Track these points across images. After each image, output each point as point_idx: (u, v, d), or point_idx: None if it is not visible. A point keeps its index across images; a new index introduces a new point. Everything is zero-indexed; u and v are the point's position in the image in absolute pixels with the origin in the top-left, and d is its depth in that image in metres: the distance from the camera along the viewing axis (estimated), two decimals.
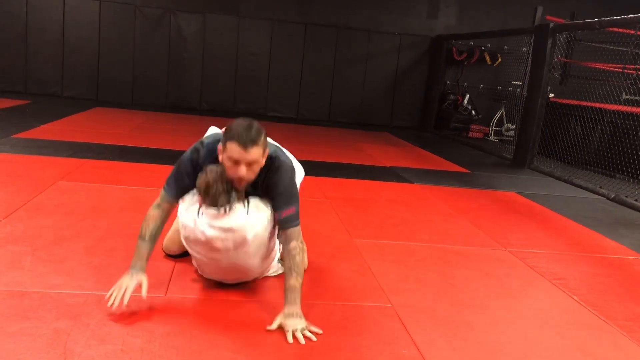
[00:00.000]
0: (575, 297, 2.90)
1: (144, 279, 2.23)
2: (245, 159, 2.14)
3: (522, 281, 3.09)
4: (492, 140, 9.79)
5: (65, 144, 5.52)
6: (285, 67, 10.19)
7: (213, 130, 2.76)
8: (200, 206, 2.28)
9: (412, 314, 2.49)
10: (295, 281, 2.22)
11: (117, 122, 7.47)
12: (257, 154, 2.17)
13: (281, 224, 2.32)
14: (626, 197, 5.15)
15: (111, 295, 2.17)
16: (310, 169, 5.52)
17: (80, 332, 2.03)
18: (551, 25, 6.88)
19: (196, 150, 2.33)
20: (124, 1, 9.54)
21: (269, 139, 2.65)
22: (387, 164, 6.43)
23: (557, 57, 7.36)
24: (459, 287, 2.89)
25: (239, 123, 2.18)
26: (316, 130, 9.12)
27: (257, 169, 2.22)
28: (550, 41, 6.80)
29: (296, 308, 2.20)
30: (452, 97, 10.37)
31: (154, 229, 2.31)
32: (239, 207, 2.25)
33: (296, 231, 2.31)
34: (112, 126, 7.07)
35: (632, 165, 6.19)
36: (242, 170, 2.16)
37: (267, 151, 2.26)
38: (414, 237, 3.68)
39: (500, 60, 10.21)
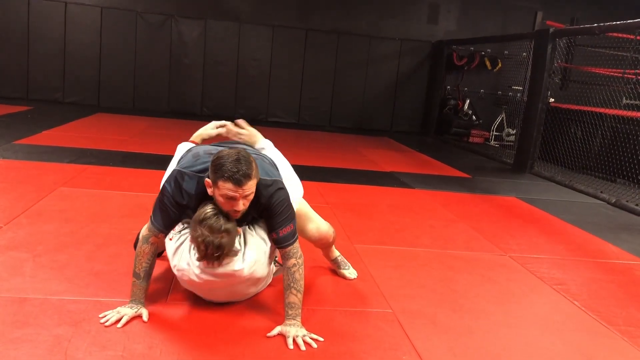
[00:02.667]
0: (576, 302, 2.90)
1: (144, 311, 2.23)
2: (242, 194, 2.08)
3: (523, 286, 3.09)
4: (492, 145, 9.79)
5: (67, 150, 5.54)
6: (286, 73, 10.21)
7: (183, 148, 2.62)
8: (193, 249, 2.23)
9: (413, 319, 2.49)
10: (295, 297, 2.22)
11: (119, 128, 7.48)
12: (252, 187, 2.10)
13: (278, 243, 2.27)
14: (627, 201, 5.14)
15: (105, 315, 2.18)
16: (311, 174, 5.54)
17: (81, 339, 2.03)
18: (551, 30, 6.89)
19: (177, 183, 2.20)
20: (125, 7, 9.58)
21: (258, 145, 2.65)
22: (388, 169, 6.43)
23: (557, 62, 7.37)
24: (460, 292, 2.89)
25: (228, 159, 2.06)
26: (317, 135, 9.13)
27: (251, 197, 2.15)
28: (550, 46, 6.82)
29: (296, 322, 2.21)
30: (452, 102, 10.38)
31: (147, 267, 2.26)
32: (234, 253, 2.20)
33: (294, 248, 2.27)
34: (113, 132, 7.09)
35: (633, 170, 6.19)
36: (240, 206, 2.10)
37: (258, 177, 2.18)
38: (415, 242, 3.68)
39: (500, 65, 10.23)
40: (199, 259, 2.15)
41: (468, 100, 10.39)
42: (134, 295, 2.26)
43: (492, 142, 9.98)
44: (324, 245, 2.83)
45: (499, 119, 10.04)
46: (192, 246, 2.19)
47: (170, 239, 2.31)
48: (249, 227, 2.35)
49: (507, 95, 9.92)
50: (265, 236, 2.34)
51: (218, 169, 2.06)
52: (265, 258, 2.32)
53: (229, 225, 2.12)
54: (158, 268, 2.66)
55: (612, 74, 7.80)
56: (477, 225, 4.27)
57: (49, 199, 3.77)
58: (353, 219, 4.09)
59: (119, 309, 2.21)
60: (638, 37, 7.48)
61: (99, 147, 5.90)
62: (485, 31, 10.24)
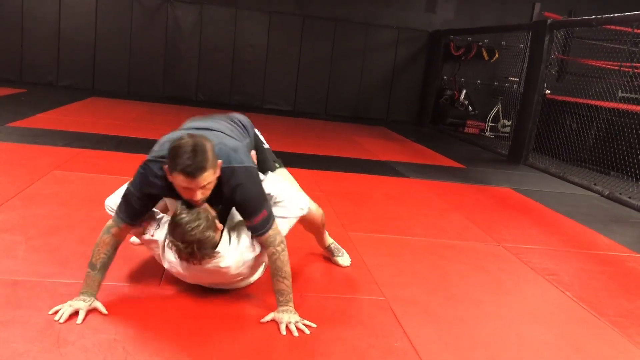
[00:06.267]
0: (567, 293, 2.92)
1: (98, 304, 2.12)
2: (197, 185, 2.02)
3: (515, 276, 3.11)
4: (488, 136, 9.80)
5: (61, 133, 5.50)
6: (282, 60, 10.16)
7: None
8: None
9: (405, 307, 2.50)
10: (282, 284, 2.20)
11: (113, 112, 7.43)
12: (208, 178, 2.02)
13: (253, 231, 2.21)
14: (620, 194, 5.17)
15: (57, 311, 2.06)
16: (306, 162, 5.54)
17: (73, 321, 2.02)
18: (549, 21, 6.88)
19: (142, 172, 2.14)
20: None
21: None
22: (383, 158, 6.43)
23: (554, 54, 7.36)
24: (453, 281, 2.90)
25: (182, 149, 1.98)
26: (313, 123, 9.11)
27: (211, 186, 2.08)
28: (547, 38, 6.81)
29: (289, 308, 2.21)
30: (448, 92, 10.37)
31: (105, 258, 2.15)
32: (219, 250, 2.17)
33: (271, 235, 2.20)
34: (107, 116, 7.04)
35: (627, 163, 6.21)
36: (197, 196, 2.05)
37: (220, 163, 2.09)
38: (409, 231, 3.69)
39: (497, 56, 10.21)
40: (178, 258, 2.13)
41: (464, 91, 10.38)
42: (86, 287, 2.13)
43: (488, 133, 9.99)
44: (313, 228, 2.79)
45: (494, 110, 10.05)
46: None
47: (152, 235, 2.26)
48: (232, 231, 2.30)
49: (503, 86, 9.91)
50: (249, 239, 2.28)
51: (172, 159, 2.00)
52: (252, 249, 2.26)
53: (205, 233, 2.05)
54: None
55: (609, 66, 7.80)
56: (470, 215, 4.28)
57: (43, 182, 3.75)
58: (347, 207, 4.09)
59: (70, 302, 2.09)
60: (635, 30, 7.48)
61: (93, 131, 5.87)
62: (483, 21, 10.21)
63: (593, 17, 5.87)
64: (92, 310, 2.10)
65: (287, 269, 2.22)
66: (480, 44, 10.18)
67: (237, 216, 2.38)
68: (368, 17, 10.29)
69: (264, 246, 2.24)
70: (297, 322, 2.17)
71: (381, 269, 2.93)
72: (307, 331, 2.15)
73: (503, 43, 10.09)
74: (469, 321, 2.46)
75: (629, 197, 5.03)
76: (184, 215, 2.06)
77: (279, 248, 2.21)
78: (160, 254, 2.29)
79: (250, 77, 10.11)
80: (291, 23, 10.07)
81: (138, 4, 9.58)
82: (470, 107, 10.29)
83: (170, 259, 2.24)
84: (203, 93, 9.98)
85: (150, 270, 2.50)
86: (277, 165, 2.77)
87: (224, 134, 2.30)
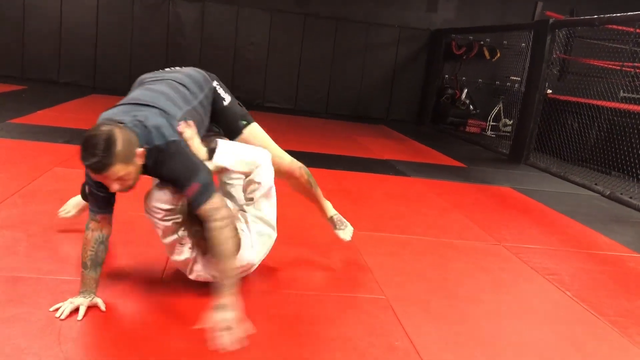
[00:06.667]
0: (567, 293, 2.92)
1: (98, 300, 2.11)
2: (109, 179, 1.94)
3: (515, 276, 3.11)
4: (489, 136, 9.79)
5: (62, 130, 5.50)
6: (283, 58, 10.15)
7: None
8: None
9: (406, 306, 2.50)
10: (223, 265, 1.99)
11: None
12: (118, 172, 1.93)
13: (190, 203, 2.07)
14: (621, 194, 5.16)
15: (58, 308, 2.05)
16: (307, 160, 5.51)
17: (74, 318, 2.03)
18: (551, 21, 6.87)
19: None
20: None
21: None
22: (384, 157, 6.43)
23: (556, 54, 7.35)
24: (453, 280, 2.90)
25: (91, 142, 1.90)
26: (313, 122, 9.10)
27: (131, 176, 1.99)
28: (549, 37, 6.80)
29: (224, 299, 1.93)
30: (450, 91, 10.35)
31: (93, 255, 2.13)
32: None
33: (210, 207, 2.02)
34: None
35: (628, 163, 6.20)
36: (113, 187, 1.99)
37: (140, 152, 1.99)
38: (409, 230, 3.69)
39: (499, 55, 10.19)
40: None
41: (465, 90, 10.37)
42: (84, 286, 2.12)
43: (489, 132, 9.98)
44: (300, 187, 2.74)
45: (496, 109, 10.04)
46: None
47: (183, 258, 2.25)
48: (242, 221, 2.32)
49: (504, 86, 9.89)
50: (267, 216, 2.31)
51: (81, 152, 1.93)
52: (272, 237, 2.32)
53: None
54: (151, 248, 2.66)
55: (610, 66, 7.79)
56: (471, 214, 4.28)
57: (44, 179, 3.76)
58: (348, 205, 4.09)
59: (71, 299, 2.08)
60: (637, 30, 7.46)
61: None
62: (484, 20, 10.19)
63: (595, 16, 5.86)
64: (93, 307, 2.10)
65: (224, 247, 2.00)
66: (482, 43, 10.17)
67: (241, 200, 2.40)
68: (369, 16, 10.27)
69: (204, 219, 2.05)
70: (228, 327, 1.86)
71: (381, 267, 2.93)
72: (229, 347, 1.83)
73: (505, 42, 10.07)
74: (469, 320, 2.46)
75: (630, 197, 5.03)
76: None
77: (220, 223, 2.01)
78: (189, 269, 2.28)
79: (251, 75, 10.10)
80: (292, 21, 10.06)
81: (139, 2, 9.57)
82: (471, 106, 10.28)
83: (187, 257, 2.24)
84: None
85: (152, 266, 2.51)
86: (243, 123, 2.58)
87: (155, 108, 2.13)
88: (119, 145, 1.90)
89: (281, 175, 2.60)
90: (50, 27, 9.38)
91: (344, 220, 2.91)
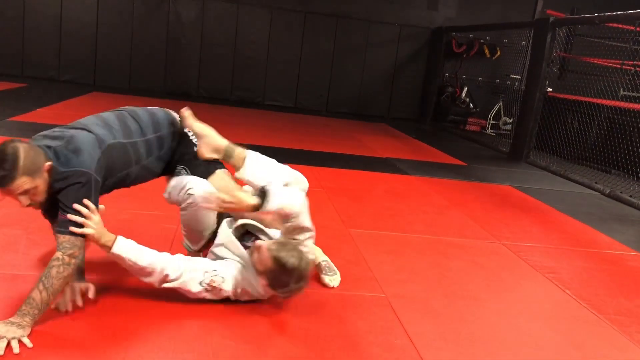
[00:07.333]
0: (567, 291, 2.92)
1: (89, 285, 2.12)
2: (9, 193, 1.93)
3: (515, 274, 3.11)
4: (489, 134, 9.79)
5: None
6: (283, 56, 10.15)
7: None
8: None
9: (406, 304, 2.50)
10: (38, 294, 1.90)
11: (114, 107, 7.37)
12: (23, 186, 1.92)
13: (57, 225, 2.05)
14: (621, 193, 5.16)
15: (58, 305, 2.06)
16: (307, 158, 5.53)
17: (75, 316, 2.03)
18: (551, 19, 6.86)
19: None
20: None
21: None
22: (384, 155, 6.43)
23: (556, 52, 7.35)
24: (453, 278, 2.90)
25: None
26: (314, 120, 9.10)
27: (40, 190, 1.97)
28: (549, 35, 6.79)
29: (22, 321, 1.87)
30: (450, 89, 10.35)
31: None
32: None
33: (62, 242, 1.98)
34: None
35: (628, 162, 6.20)
36: (22, 201, 1.96)
37: (46, 166, 1.96)
38: (409, 228, 3.69)
39: (499, 53, 10.19)
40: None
41: (466, 88, 10.37)
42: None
43: (489, 131, 9.97)
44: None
45: (496, 108, 10.03)
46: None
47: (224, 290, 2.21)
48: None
49: (505, 84, 9.89)
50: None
51: None
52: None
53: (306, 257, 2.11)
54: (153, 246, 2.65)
55: (611, 64, 7.79)
56: (471, 212, 4.28)
57: None
58: (348, 203, 4.09)
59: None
60: (638, 28, 7.46)
61: None
62: (485, 19, 10.18)
63: (596, 14, 5.86)
64: (90, 302, 2.11)
65: (56, 282, 1.94)
66: (482, 41, 10.16)
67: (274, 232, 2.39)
68: (370, 14, 10.26)
69: (57, 246, 2.01)
70: (13, 338, 1.82)
71: (381, 265, 2.93)
72: (15, 350, 1.79)
73: (505, 40, 10.07)
74: (468, 318, 2.46)
75: (630, 196, 5.03)
76: (287, 257, 2.07)
77: (65, 258, 1.97)
78: (232, 296, 2.24)
79: (252, 73, 10.10)
80: (293, 19, 10.05)
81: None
82: (471, 105, 10.27)
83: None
84: (204, 88, 9.97)
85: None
86: (218, 166, 2.41)
87: (85, 131, 2.13)
88: (21, 160, 1.90)
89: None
90: (51, 25, 9.37)
91: (333, 266, 2.67)
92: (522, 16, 10.10)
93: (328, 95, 10.49)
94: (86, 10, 9.44)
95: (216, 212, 2.33)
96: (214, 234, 2.39)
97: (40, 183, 1.96)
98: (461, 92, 10.32)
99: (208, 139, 2.30)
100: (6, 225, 2.83)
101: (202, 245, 2.44)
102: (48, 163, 1.98)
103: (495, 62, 10.30)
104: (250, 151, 2.35)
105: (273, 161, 2.39)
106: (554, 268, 3.26)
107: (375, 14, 10.27)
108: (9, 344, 1.79)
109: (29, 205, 2.00)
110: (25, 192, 1.94)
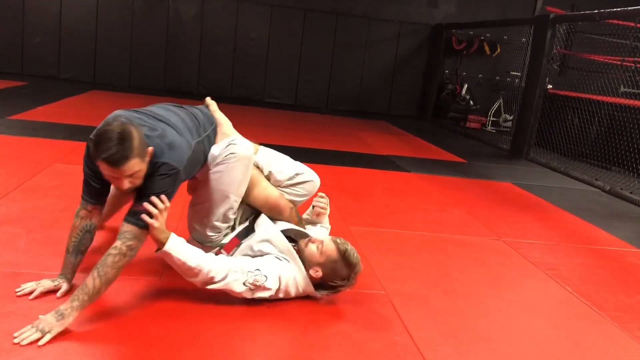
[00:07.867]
0: (567, 288, 2.92)
1: (64, 285, 2.15)
2: (122, 174, 1.92)
3: (515, 271, 3.11)
4: (489, 131, 9.78)
5: (61, 126, 5.50)
6: (283, 53, 10.14)
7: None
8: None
9: (406, 301, 2.50)
10: (91, 281, 1.93)
11: (114, 105, 7.35)
12: (134, 166, 1.91)
13: (128, 212, 2.05)
14: (621, 189, 5.17)
15: (23, 289, 2.12)
16: (307, 156, 5.52)
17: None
18: (551, 16, 6.85)
19: (85, 151, 2.15)
20: None
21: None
22: (384, 153, 6.42)
23: (557, 49, 7.35)
24: (453, 275, 2.90)
25: (107, 136, 1.89)
26: (314, 117, 9.09)
27: (141, 174, 1.98)
28: (550, 32, 6.78)
29: (65, 308, 1.89)
30: (450, 86, 10.35)
31: (76, 242, 2.16)
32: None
33: (129, 232, 1.99)
34: (108, 109, 6.94)
35: (628, 158, 6.20)
36: (124, 185, 1.95)
37: (149, 150, 1.99)
38: (410, 225, 3.69)
39: (499, 50, 10.18)
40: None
41: (466, 85, 10.36)
42: (62, 270, 2.19)
43: (489, 128, 9.97)
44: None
45: (496, 105, 10.03)
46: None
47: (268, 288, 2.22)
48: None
49: (505, 81, 9.89)
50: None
51: (95, 147, 1.91)
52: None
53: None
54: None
55: (611, 61, 7.78)
56: (471, 209, 4.28)
57: (43, 175, 3.75)
58: (348, 201, 4.09)
59: (41, 280, 2.15)
60: (638, 25, 7.45)
61: (93, 124, 5.83)
62: (484, 15, 10.17)
63: (596, 11, 5.85)
64: (47, 292, 2.13)
65: (110, 272, 1.95)
66: (482, 38, 10.16)
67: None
68: (370, 11, 10.25)
69: (119, 233, 2.02)
70: (43, 330, 1.83)
71: (382, 263, 2.93)
72: (34, 340, 1.81)
73: (505, 37, 10.06)
74: (469, 315, 2.46)
75: (630, 193, 5.03)
76: (351, 252, 2.26)
77: (124, 247, 1.98)
78: (274, 294, 2.25)
79: (252, 71, 10.09)
80: (293, 16, 10.03)
81: None
82: (471, 102, 10.27)
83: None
84: (204, 86, 9.96)
85: (151, 265, 2.50)
86: None
87: (171, 129, 2.17)
88: (135, 140, 1.91)
89: (262, 205, 2.54)
90: (50, 24, 9.36)
91: None
92: (522, 13, 10.09)
93: (328, 93, 10.48)
94: (86, 8, 9.43)
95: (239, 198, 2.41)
96: (246, 231, 2.45)
97: (144, 167, 1.98)
98: (461, 89, 10.31)
99: (224, 128, 2.50)
100: (6, 223, 2.83)
101: (222, 235, 2.46)
102: (151, 148, 2.00)
103: (495, 59, 10.29)
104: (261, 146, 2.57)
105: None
106: (554, 265, 3.26)
107: (375, 10, 10.26)
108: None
109: (126, 190, 1.99)
110: (132, 175, 1.94)
